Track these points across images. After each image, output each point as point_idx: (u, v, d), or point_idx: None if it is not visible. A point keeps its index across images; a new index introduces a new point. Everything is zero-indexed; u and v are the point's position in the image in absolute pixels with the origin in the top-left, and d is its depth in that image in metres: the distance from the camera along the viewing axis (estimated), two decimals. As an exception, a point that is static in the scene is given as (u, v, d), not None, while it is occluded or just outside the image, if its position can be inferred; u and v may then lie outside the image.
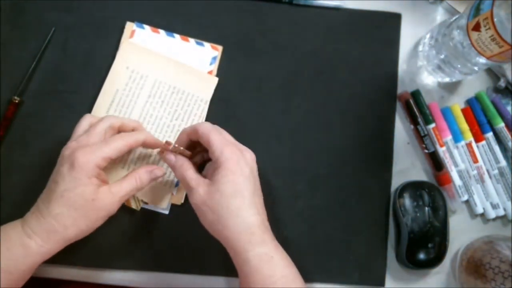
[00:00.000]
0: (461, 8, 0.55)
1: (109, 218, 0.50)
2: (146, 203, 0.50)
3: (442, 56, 0.51)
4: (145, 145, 0.44)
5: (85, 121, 0.44)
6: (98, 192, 0.39)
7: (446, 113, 0.54)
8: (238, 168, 0.40)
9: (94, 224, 0.40)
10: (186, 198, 0.50)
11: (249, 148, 0.44)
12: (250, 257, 0.38)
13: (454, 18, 0.50)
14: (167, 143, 0.43)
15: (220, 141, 0.41)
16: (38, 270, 0.42)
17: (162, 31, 0.53)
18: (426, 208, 0.51)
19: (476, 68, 0.50)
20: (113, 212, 0.41)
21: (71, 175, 0.38)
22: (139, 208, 0.50)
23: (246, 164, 0.40)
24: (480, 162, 0.54)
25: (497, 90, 0.55)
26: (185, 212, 0.50)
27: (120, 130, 0.44)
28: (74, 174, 0.38)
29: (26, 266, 0.38)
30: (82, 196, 0.38)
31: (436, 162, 0.53)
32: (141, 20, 0.52)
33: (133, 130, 0.45)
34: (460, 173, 0.53)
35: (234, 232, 0.39)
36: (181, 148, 0.43)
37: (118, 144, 0.40)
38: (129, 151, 0.47)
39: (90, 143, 0.40)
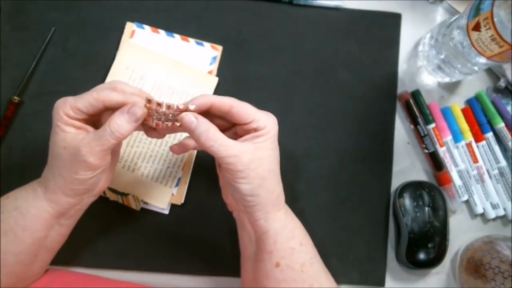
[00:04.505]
0: (461, 8, 0.55)
1: (109, 218, 0.50)
2: (146, 203, 0.50)
3: (442, 56, 0.51)
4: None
5: None
6: (71, 140, 0.37)
7: (446, 113, 0.54)
8: (275, 131, 0.40)
9: (74, 175, 0.37)
10: (186, 198, 0.50)
11: None
12: (281, 214, 0.40)
13: (454, 18, 0.50)
14: (159, 104, 0.37)
15: (251, 106, 0.39)
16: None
17: (162, 31, 0.53)
18: (426, 208, 0.51)
19: (476, 68, 0.50)
20: (94, 164, 0.37)
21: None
22: (139, 208, 0.50)
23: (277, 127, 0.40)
24: (480, 162, 0.54)
25: (497, 90, 0.55)
26: (185, 212, 0.50)
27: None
28: (52, 123, 0.38)
29: (35, 209, 0.38)
30: (55, 143, 0.37)
31: (436, 162, 0.53)
32: (141, 20, 0.52)
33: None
34: (460, 173, 0.53)
35: (274, 193, 0.40)
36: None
37: (89, 97, 0.37)
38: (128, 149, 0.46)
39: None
